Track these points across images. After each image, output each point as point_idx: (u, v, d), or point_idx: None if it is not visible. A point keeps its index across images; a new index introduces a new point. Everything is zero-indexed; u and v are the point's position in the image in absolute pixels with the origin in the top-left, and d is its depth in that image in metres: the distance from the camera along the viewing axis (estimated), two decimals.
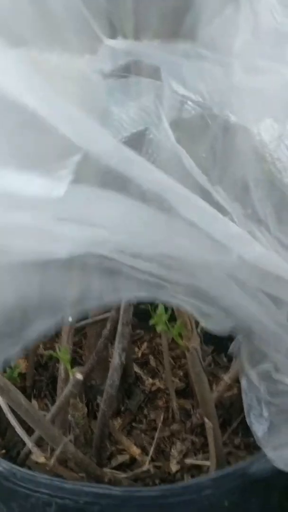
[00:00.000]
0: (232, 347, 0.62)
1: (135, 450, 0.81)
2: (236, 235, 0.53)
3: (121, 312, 0.73)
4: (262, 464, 0.71)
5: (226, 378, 0.81)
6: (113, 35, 0.58)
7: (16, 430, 0.76)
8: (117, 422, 0.86)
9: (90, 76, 0.57)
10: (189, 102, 0.55)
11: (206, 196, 0.53)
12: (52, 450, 0.75)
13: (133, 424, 0.87)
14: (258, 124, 0.54)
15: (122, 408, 0.88)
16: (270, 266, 0.53)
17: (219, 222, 0.52)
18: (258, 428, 0.60)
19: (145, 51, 0.57)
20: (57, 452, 0.71)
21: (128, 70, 0.57)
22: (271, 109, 0.54)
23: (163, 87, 0.55)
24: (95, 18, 0.56)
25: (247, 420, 0.61)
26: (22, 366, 0.92)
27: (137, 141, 0.54)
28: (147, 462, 0.80)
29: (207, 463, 0.77)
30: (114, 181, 0.51)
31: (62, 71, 0.56)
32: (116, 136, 0.54)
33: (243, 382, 0.61)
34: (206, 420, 0.72)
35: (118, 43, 0.57)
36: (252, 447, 0.81)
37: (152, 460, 0.81)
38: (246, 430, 0.84)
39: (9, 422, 0.77)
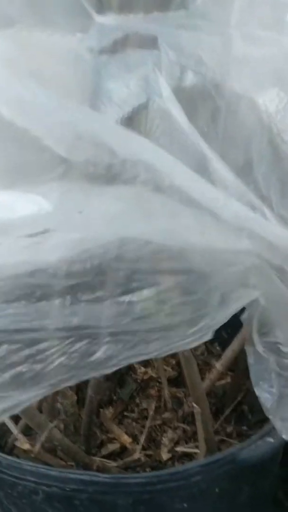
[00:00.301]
0: (245, 315, 0.60)
1: (126, 439, 0.80)
2: (243, 214, 0.51)
3: None
4: (252, 450, 0.69)
5: (218, 365, 0.80)
6: (102, 12, 0.56)
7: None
8: (109, 411, 0.85)
9: (83, 55, 0.56)
10: (189, 71, 0.53)
11: (210, 168, 0.52)
12: None
13: (125, 413, 0.85)
14: (263, 94, 0.53)
15: (114, 397, 0.87)
16: (279, 241, 0.52)
17: (224, 201, 0.51)
18: (267, 399, 0.59)
19: (138, 25, 0.56)
20: (42, 438, 0.70)
21: (120, 45, 0.56)
22: (274, 79, 0.53)
23: (160, 56, 0.53)
24: None
25: (255, 390, 0.59)
26: None
27: (139, 114, 0.53)
28: (138, 451, 0.78)
29: (198, 451, 0.76)
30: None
31: (54, 52, 0.55)
32: (119, 112, 0.53)
33: (250, 354, 0.60)
34: (194, 405, 0.70)
35: (109, 19, 0.56)
36: (244, 435, 0.80)
37: (143, 448, 0.79)
38: (238, 419, 0.83)
39: None
